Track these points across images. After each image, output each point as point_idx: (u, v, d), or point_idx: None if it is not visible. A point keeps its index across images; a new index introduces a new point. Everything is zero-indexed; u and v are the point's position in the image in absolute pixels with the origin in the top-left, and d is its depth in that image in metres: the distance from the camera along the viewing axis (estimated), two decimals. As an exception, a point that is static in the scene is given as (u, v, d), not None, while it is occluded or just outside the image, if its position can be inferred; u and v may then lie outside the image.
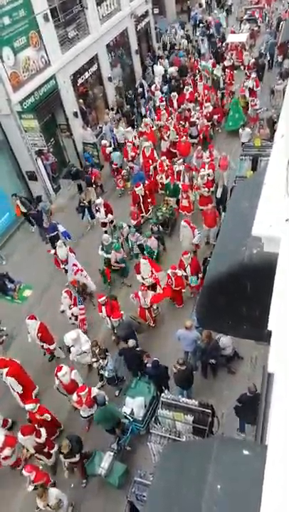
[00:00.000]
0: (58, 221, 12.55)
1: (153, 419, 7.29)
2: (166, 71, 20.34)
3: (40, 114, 13.43)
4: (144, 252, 10.97)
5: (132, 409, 7.82)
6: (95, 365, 8.72)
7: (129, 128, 15.71)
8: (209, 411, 6.99)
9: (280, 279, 2.06)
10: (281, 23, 21.83)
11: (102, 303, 9.30)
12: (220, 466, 2.77)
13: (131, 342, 8.53)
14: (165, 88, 18.99)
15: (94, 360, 8.71)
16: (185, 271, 9.80)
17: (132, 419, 7.78)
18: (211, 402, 7.42)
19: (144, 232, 11.67)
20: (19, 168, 13.95)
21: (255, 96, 16.44)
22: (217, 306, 3.32)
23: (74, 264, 10.37)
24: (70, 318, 9.77)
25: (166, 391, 7.64)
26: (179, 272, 9.63)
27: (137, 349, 8.56)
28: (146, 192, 12.54)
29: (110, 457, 7.34)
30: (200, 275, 9.85)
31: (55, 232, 12.09)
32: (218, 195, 11.84)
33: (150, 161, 13.89)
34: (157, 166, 13.49)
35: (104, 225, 12.50)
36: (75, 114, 15.65)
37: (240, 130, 14.72)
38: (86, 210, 13.12)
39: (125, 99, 18.58)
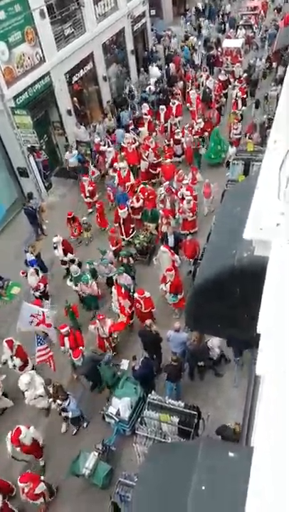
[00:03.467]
0: (27, 249, 11.59)
1: (139, 420, 7.29)
2: (168, 70, 20.32)
3: (34, 110, 13.33)
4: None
5: (118, 410, 7.80)
6: (52, 406, 8.08)
7: (111, 148, 14.70)
8: (195, 413, 7.02)
9: (270, 282, 2.08)
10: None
11: (64, 334, 8.59)
12: (205, 467, 2.78)
13: (148, 322, 8.62)
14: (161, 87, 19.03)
15: (51, 400, 8.03)
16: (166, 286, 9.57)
17: (118, 420, 7.76)
18: (197, 404, 7.46)
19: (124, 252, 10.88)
20: (10, 164, 13.82)
21: (238, 119, 15.54)
22: (206, 308, 3.34)
23: (32, 315, 9.00)
24: (14, 368, 8.91)
25: (152, 392, 7.65)
26: (147, 294, 9.24)
27: (155, 330, 8.58)
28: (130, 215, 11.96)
29: (95, 457, 7.31)
30: (179, 296, 9.63)
31: None
32: (171, 243, 10.67)
33: (127, 184, 13.06)
34: (138, 191, 12.53)
35: (64, 263, 11.35)
36: (69, 112, 15.57)
37: (230, 148, 13.97)
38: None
39: (117, 103, 18.33)
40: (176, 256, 10.23)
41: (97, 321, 8.99)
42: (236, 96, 16.53)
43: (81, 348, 8.75)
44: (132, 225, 12.21)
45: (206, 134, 15.24)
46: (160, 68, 20.87)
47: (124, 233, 12.06)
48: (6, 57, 12.29)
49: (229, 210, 3.55)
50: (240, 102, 16.27)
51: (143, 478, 3.54)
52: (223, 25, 26.41)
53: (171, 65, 20.57)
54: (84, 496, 7.49)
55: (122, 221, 11.83)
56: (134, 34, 20.52)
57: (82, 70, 16.59)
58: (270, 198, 2.41)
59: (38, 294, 10.53)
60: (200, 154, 14.90)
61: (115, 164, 13.74)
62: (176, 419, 6.96)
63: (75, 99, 16.13)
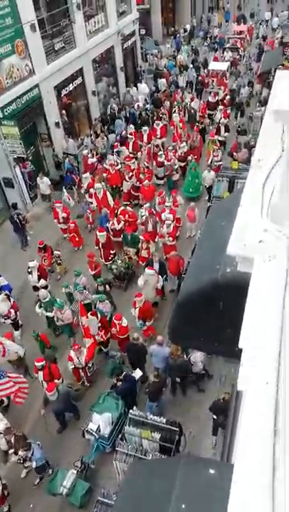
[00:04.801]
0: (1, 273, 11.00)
1: (120, 436, 7.16)
2: (156, 86, 20.74)
3: (22, 121, 13.36)
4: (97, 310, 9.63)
5: (99, 426, 7.64)
6: (13, 458, 7.38)
7: (87, 174, 14.10)
8: (176, 429, 6.94)
9: (251, 298, 2.10)
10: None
11: (38, 368, 8.24)
12: (185, 485, 2.74)
13: (136, 335, 8.50)
14: (148, 106, 19.39)
15: (11, 451, 7.37)
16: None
17: (98, 437, 7.60)
18: (178, 420, 7.39)
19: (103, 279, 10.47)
20: (-4, 174, 13.75)
21: (218, 146, 15.27)
22: (189, 322, 3.34)
23: None
24: None
25: (134, 407, 7.54)
26: (124, 322, 9.02)
27: (141, 343, 8.53)
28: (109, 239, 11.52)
29: (73, 475, 7.11)
30: (148, 323, 9.51)
31: None
32: (156, 268, 10.31)
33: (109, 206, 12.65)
34: (118, 213, 12.17)
35: (35, 289, 10.70)
36: (57, 125, 15.66)
37: (206, 172, 13.77)
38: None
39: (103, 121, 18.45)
40: (160, 277, 10.08)
41: (72, 352, 8.61)
42: (219, 122, 16.61)
43: (56, 381, 8.29)
44: (111, 251, 11.67)
45: (189, 158, 14.86)
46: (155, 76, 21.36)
47: (103, 257, 11.66)
48: (-5, 68, 12.37)
49: (214, 225, 3.60)
50: (222, 128, 16.26)
51: (122, 496, 3.46)
52: (216, 45, 27.34)
53: (161, 80, 20.99)
54: (61, 516, 7.26)
55: (101, 245, 11.48)
56: (123, 51, 20.96)
57: (71, 84, 16.79)
58: (253, 215, 2.46)
59: (9, 321, 10.06)
60: (174, 180, 14.68)
61: (91, 190, 13.34)
62: (157, 436, 6.87)
63: (63, 112, 16.26)
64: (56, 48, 15.39)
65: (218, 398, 7.46)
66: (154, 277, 9.88)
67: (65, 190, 13.88)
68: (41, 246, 11.49)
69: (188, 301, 3.20)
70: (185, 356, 8.55)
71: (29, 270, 10.73)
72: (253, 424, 1.74)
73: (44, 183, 14.26)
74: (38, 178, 14.32)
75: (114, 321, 9.06)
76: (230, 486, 1.68)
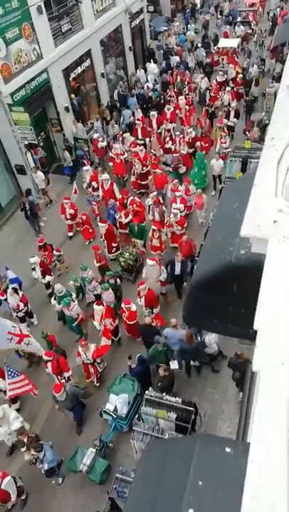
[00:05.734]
0: (9, 266, 10.73)
1: (136, 416, 7.32)
2: (168, 63, 20.36)
3: (31, 107, 13.30)
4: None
5: (116, 406, 7.83)
6: (26, 457, 7.40)
7: (88, 167, 13.79)
8: (192, 409, 7.06)
9: (266, 279, 2.09)
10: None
11: (45, 360, 8.28)
12: (201, 463, 2.80)
13: (148, 319, 8.63)
14: (158, 87, 18.99)
15: (23, 449, 7.44)
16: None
17: (115, 416, 7.79)
18: (194, 399, 7.52)
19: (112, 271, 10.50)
20: (8, 160, 13.78)
21: (226, 132, 14.51)
22: (203, 304, 3.34)
23: (10, 333, 8.25)
24: None
25: (150, 388, 7.68)
26: (133, 307, 9.05)
27: (154, 326, 8.69)
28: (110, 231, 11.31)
29: (92, 453, 7.34)
30: (155, 310, 9.45)
31: None
32: (178, 271, 9.91)
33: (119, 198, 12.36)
34: (128, 203, 11.96)
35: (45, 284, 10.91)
36: (67, 109, 15.53)
37: (214, 161, 13.21)
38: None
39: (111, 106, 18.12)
40: (163, 269, 9.96)
41: (80, 348, 8.57)
42: (229, 105, 16.04)
43: (63, 380, 8.26)
44: (114, 244, 11.56)
45: (198, 144, 14.29)
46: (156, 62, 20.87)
47: (107, 249, 11.57)
48: (3, 53, 12.24)
49: (227, 207, 3.56)
50: (232, 112, 15.68)
51: (139, 474, 3.56)
52: (230, 17, 26.44)
53: (174, 58, 20.51)
54: (81, 492, 7.54)
55: (103, 236, 11.38)
56: (132, 30, 20.45)
57: (80, 67, 16.54)
58: (267, 195, 2.41)
59: (21, 314, 10.11)
60: (180, 174, 14.06)
61: (93, 183, 13.16)
62: (173, 416, 7.00)
63: (72, 96, 16.09)
64: (63, 30, 15.11)
65: (235, 354, 7.81)
66: (155, 268, 9.75)
67: (75, 184, 13.60)
68: (41, 244, 11.28)
69: (202, 283, 3.19)
70: (199, 338, 8.61)
71: (32, 267, 10.69)
72: (269, 405, 1.75)
73: (38, 178, 13.84)
74: (32, 173, 13.87)
75: (124, 305, 9.12)
76: (247, 464, 1.70)
